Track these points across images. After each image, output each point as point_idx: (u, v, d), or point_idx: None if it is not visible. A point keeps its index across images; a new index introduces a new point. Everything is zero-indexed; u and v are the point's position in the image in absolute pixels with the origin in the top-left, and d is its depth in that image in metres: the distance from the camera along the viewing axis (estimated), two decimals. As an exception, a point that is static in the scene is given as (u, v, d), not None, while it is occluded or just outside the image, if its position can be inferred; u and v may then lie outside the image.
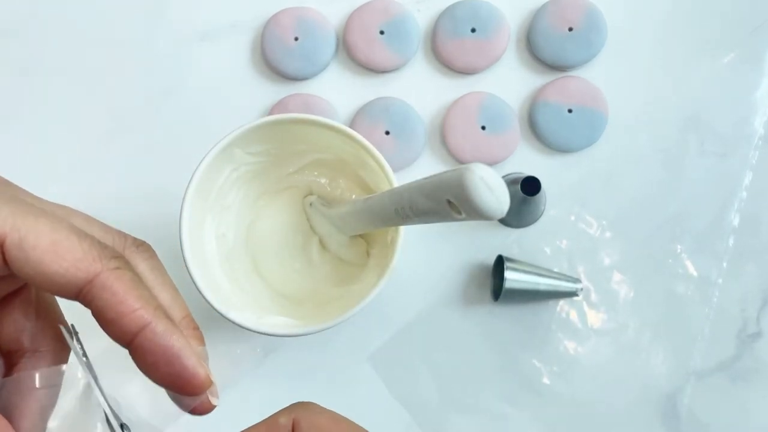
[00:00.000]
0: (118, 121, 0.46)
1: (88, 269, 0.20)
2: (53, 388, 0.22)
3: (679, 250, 0.44)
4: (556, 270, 0.44)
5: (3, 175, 0.23)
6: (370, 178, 0.38)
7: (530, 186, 0.40)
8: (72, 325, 0.24)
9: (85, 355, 0.22)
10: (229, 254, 0.39)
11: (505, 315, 0.44)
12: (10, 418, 0.22)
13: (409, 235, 0.36)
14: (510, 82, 0.46)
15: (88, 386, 0.22)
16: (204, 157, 0.35)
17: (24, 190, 0.23)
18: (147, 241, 0.25)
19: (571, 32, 0.45)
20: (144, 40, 0.47)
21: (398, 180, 0.34)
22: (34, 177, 0.45)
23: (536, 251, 0.44)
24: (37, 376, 0.22)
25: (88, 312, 0.21)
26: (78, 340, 0.23)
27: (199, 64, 0.46)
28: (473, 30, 0.45)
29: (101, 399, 0.22)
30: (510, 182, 0.41)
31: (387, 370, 0.44)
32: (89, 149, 0.46)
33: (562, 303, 0.44)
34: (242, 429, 0.22)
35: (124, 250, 0.23)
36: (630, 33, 0.46)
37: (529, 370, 0.44)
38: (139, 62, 0.47)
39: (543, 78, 0.46)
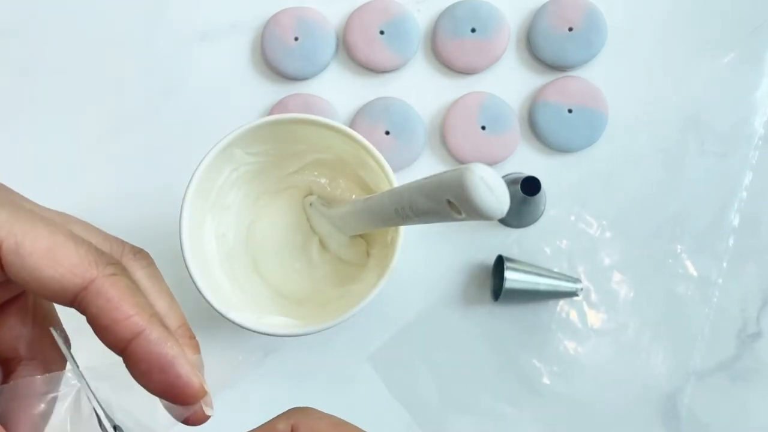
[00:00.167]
0: (118, 121, 0.46)
1: (84, 275, 0.20)
2: (50, 395, 0.22)
3: (679, 250, 0.44)
4: (556, 270, 0.44)
5: (3, 176, 0.23)
6: (370, 178, 0.38)
7: (530, 186, 0.40)
8: (64, 332, 0.24)
9: (74, 358, 0.22)
10: (229, 254, 0.39)
11: (505, 315, 0.44)
12: (6, 426, 0.21)
13: (409, 235, 0.36)
14: (510, 82, 0.46)
15: (79, 392, 0.22)
16: (204, 157, 0.35)
17: (22, 196, 0.23)
18: (147, 241, 0.25)
19: (571, 32, 0.45)
20: (144, 40, 0.47)
21: (398, 180, 0.34)
22: (34, 177, 0.46)
23: (536, 251, 0.44)
24: (33, 383, 0.22)
25: None
26: (69, 345, 0.23)
27: (199, 64, 0.46)
28: (473, 30, 0.45)
29: (93, 402, 0.21)
30: (510, 182, 0.41)
31: (387, 370, 0.44)
32: (89, 149, 0.46)
33: (562, 303, 0.44)
34: None
35: (121, 257, 0.23)
36: (630, 33, 0.46)
37: (529, 370, 0.44)
38: (139, 62, 0.46)
39: (543, 78, 0.46)
